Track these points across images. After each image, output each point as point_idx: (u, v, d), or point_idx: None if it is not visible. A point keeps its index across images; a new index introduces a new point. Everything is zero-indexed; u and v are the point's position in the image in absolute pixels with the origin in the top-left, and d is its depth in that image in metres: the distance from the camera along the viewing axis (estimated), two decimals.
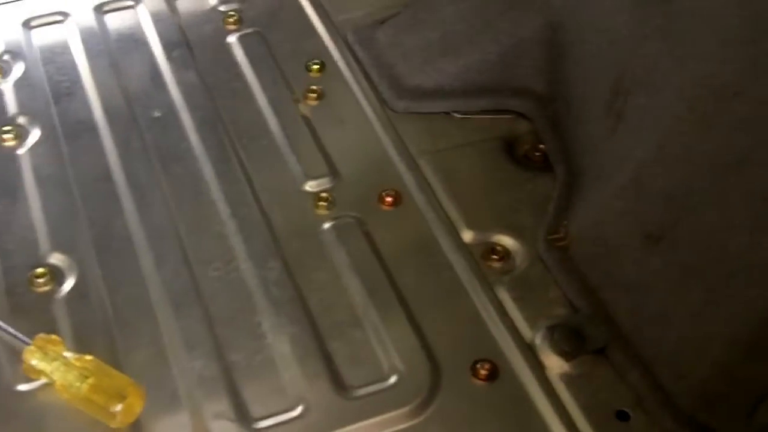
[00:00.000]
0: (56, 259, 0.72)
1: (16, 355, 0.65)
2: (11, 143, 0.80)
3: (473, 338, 0.68)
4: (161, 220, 0.75)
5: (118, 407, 0.62)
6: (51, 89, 0.85)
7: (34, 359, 0.64)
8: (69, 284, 0.71)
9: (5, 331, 0.66)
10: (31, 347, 0.65)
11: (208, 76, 0.86)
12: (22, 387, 0.65)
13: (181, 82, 0.86)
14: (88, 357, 0.65)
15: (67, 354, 0.65)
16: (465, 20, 0.81)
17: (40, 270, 0.71)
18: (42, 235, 0.74)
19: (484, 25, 0.80)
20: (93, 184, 0.77)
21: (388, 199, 0.76)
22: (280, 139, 0.81)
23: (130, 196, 0.76)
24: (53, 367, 0.64)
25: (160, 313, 0.69)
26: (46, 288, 0.70)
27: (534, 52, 0.80)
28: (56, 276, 0.71)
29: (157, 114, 0.83)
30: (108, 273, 0.71)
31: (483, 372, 0.66)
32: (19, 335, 0.66)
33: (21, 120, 0.82)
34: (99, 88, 0.85)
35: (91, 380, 0.63)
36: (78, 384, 0.63)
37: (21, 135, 0.81)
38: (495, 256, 0.73)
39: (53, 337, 0.66)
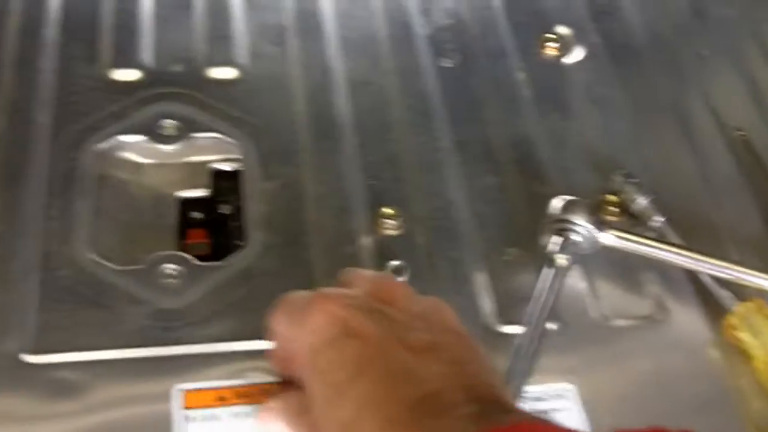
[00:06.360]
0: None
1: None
2: (554, 52, 0.75)
3: None
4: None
5: None
6: (586, 2, 0.79)
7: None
8: None
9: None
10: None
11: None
12: None
13: None
14: None
15: None
16: None
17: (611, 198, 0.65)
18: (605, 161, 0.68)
19: None
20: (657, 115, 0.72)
21: None
22: None
23: None
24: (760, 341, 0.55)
25: None
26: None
27: None
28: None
29: None
30: None
31: None
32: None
33: (561, 30, 0.76)
34: (642, 13, 0.78)
35: None
36: None
37: (563, 47, 0.75)
38: None
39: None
